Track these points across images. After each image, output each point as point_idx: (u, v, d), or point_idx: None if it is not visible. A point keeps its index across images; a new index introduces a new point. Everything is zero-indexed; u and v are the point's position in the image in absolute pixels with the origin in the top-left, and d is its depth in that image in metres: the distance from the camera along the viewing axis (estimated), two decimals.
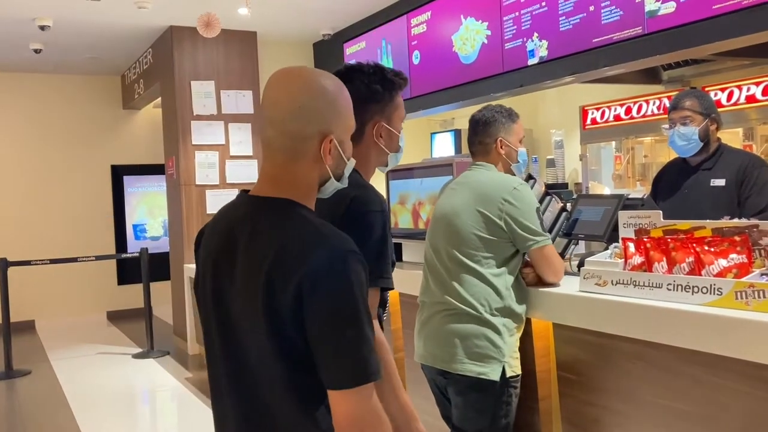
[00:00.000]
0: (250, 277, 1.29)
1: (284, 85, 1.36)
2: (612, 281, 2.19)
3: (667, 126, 3.05)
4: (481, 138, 2.53)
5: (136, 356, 6.41)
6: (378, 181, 3.40)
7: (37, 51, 6.72)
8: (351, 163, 1.45)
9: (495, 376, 2.30)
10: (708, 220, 2.22)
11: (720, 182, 2.93)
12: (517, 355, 2.38)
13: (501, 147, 2.51)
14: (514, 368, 2.36)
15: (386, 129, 1.81)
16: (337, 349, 1.24)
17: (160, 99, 7.27)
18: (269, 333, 1.27)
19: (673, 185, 3.10)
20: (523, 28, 4.51)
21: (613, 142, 5.69)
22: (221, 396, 1.40)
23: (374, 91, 1.77)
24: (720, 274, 1.98)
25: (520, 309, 2.40)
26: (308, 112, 1.33)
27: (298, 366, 1.27)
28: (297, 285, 1.23)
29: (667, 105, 5.08)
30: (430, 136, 7.61)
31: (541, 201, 2.79)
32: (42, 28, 5.83)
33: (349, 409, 1.24)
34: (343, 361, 1.24)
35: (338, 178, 1.42)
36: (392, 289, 1.78)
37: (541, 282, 2.46)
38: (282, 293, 1.24)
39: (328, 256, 1.25)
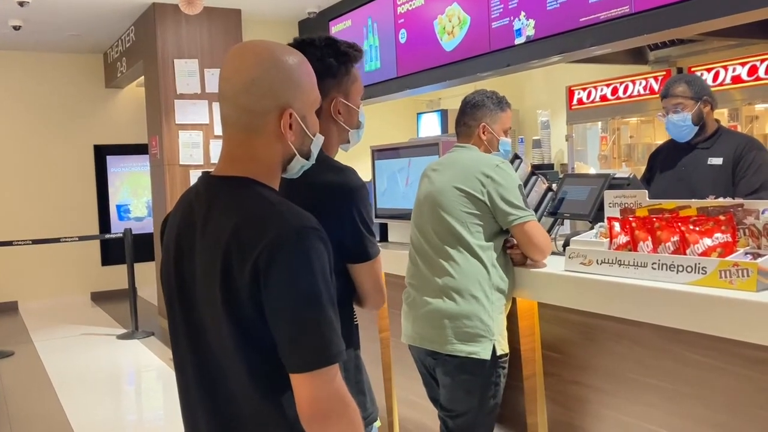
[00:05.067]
0: (209, 259, 1.25)
1: (237, 60, 1.30)
2: (597, 260, 2.19)
3: (662, 113, 3.08)
4: (466, 119, 2.54)
5: (121, 337, 6.38)
6: (364, 160, 3.39)
7: (16, 28, 6.58)
8: (319, 140, 1.39)
9: (486, 354, 2.30)
10: (693, 200, 2.23)
11: (717, 161, 2.97)
12: (505, 333, 2.39)
13: (483, 133, 2.51)
14: (503, 347, 2.36)
15: (344, 104, 1.76)
16: (295, 330, 1.19)
17: (143, 77, 7.17)
18: (229, 318, 1.22)
19: (670, 162, 3.14)
20: (510, 6, 4.47)
21: (599, 123, 5.70)
22: (187, 385, 1.36)
23: (329, 65, 1.70)
24: (705, 253, 1.99)
25: (508, 286, 2.40)
26: (261, 86, 1.27)
27: (261, 352, 1.22)
28: (253, 264, 1.18)
29: (654, 86, 5.12)
30: (416, 116, 7.59)
31: (526, 181, 2.79)
32: (21, 4, 5.70)
33: (311, 394, 1.18)
34: (303, 342, 1.19)
35: (305, 155, 1.36)
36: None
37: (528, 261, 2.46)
38: (239, 274, 1.20)
39: (284, 232, 1.19)
